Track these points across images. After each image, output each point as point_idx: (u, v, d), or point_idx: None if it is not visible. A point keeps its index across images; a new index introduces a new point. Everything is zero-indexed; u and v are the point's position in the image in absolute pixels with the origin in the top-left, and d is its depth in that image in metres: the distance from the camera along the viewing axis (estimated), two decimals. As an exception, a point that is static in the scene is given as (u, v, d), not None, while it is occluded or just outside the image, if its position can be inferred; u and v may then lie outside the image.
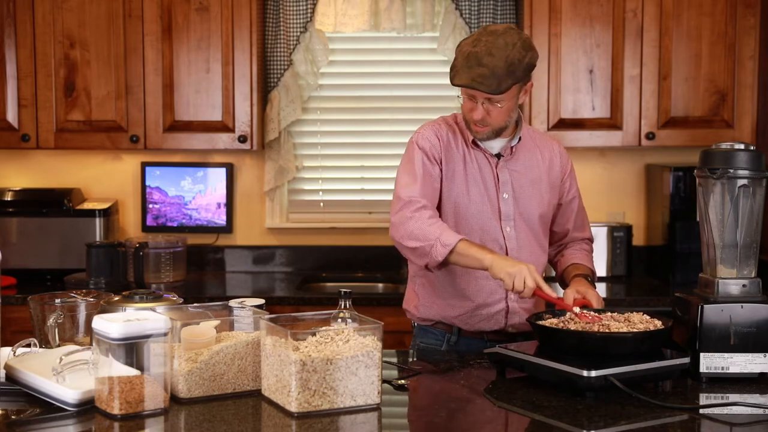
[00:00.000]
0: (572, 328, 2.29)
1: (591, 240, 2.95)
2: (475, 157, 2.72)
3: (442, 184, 2.69)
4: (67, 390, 2.03)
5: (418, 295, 2.80)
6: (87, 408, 2.03)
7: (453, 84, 2.60)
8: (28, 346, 2.27)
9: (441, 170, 2.69)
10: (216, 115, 4.06)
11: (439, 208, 2.70)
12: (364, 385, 2.05)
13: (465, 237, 2.56)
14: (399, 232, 2.60)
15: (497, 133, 2.69)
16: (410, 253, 2.61)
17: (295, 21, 4.22)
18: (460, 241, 2.52)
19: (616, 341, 2.22)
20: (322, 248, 4.40)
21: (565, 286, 2.78)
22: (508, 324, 2.74)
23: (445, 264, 2.56)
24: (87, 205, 4.18)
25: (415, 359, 2.70)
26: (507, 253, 2.71)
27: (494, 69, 2.54)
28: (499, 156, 2.74)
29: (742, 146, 2.37)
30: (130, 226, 4.40)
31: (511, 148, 2.74)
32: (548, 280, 3.58)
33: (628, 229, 4.23)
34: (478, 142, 2.71)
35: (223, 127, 4.07)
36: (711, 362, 2.32)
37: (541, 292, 2.43)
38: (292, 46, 4.24)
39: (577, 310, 2.42)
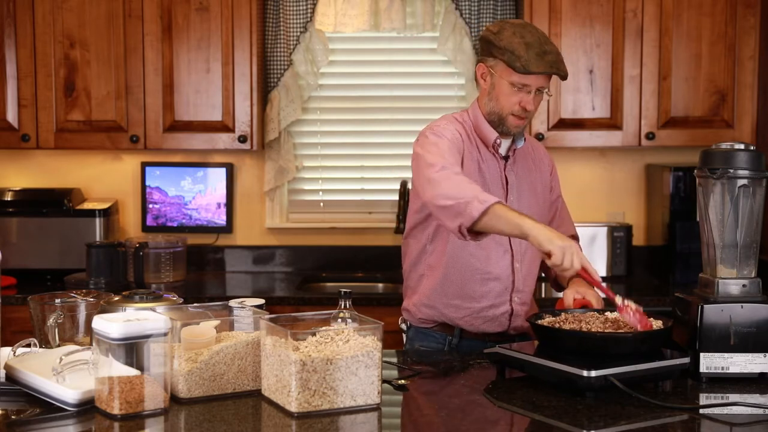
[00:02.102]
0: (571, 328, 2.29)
1: (577, 238, 2.94)
2: (485, 158, 2.71)
3: None
4: (67, 390, 2.03)
5: (421, 295, 2.77)
6: (87, 408, 2.03)
7: (528, 72, 2.53)
8: (28, 346, 2.27)
9: (462, 163, 2.64)
10: (216, 115, 4.06)
11: None
12: (364, 385, 2.05)
13: (502, 201, 2.45)
14: (435, 191, 2.48)
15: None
16: (443, 212, 2.47)
17: (295, 21, 4.22)
18: (498, 202, 2.40)
19: (616, 341, 2.22)
20: (322, 248, 4.40)
21: (560, 287, 2.78)
22: (511, 326, 2.74)
23: (477, 226, 2.41)
24: (87, 205, 4.18)
25: (413, 360, 2.69)
26: (512, 256, 2.70)
27: (558, 55, 2.58)
28: (506, 158, 2.74)
29: (742, 146, 2.37)
30: (130, 226, 4.40)
31: (514, 150, 2.74)
32: (542, 281, 3.61)
33: (628, 229, 4.23)
34: (498, 144, 2.70)
35: (223, 127, 4.07)
36: (711, 362, 2.32)
37: (586, 273, 2.34)
38: (292, 46, 4.24)
39: (618, 300, 2.30)
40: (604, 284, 2.42)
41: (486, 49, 2.65)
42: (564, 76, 2.60)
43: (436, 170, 2.50)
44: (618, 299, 2.31)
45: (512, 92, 2.61)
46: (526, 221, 2.36)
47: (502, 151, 2.73)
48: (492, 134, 2.69)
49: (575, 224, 2.97)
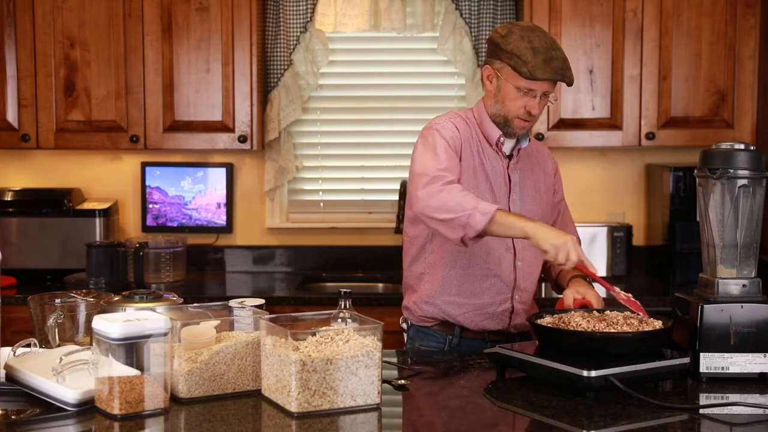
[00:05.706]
0: (571, 328, 2.29)
1: (579, 242, 2.94)
2: (488, 156, 2.72)
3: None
4: (67, 390, 2.03)
5: (421, 292, 2.77)
6: (87, 408, 2.03)
7: (534, 78, 2.54)
8: (28, 346, 2.27)
9: (460, 161, 2.66)
10: (216, 115, 4.06)
11: None
12: (364, 385, 2.05)
13: (499, 206, 2.51)
14: (429, 205, 2.51)
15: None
16: (443, 225, 2.50)
17: (295, 21, 4.22)
18: (498, 209, 2.46)
19: (616, 341, 2.22)
20: (322, 248, 4.40)
21: (560, 288, 2.78)
22: (511, 324, 2.74)
23: (482, 235, 2.48)
24: (87, 205, 4.18)
25: (413, 360, 2.70)
26: (514, 254, 2.71)
27: (565, 61, 2.59)
28: (509, 157, 2.74)
29: (742, 146, 2.37)
30: (130, 226, 4.40)
31: (518, 150, 2.75)
32: (542, 282, 3.59)
33: (628, 229, 4.23)
34: (501, 143, 2.71)
35: (223, 127, 4.06)
36: (711, 362, 2.32)
37: (583, 266, 2.44)
38: (292, 46, 4.24)
39: (623, 295, 2.43)
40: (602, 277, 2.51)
41: (493, 51, 2.65)
42: (570, 83, 2.61)
43: (422, 185, 2.53)
44: (617, 289, 2.45)
45: (518, 96, 2.62)
46: (527, 223, 2.46)
47: (506, 150, 2.74)
48: (496, 133, 2.71)
49: (575, 224, 2.98)
